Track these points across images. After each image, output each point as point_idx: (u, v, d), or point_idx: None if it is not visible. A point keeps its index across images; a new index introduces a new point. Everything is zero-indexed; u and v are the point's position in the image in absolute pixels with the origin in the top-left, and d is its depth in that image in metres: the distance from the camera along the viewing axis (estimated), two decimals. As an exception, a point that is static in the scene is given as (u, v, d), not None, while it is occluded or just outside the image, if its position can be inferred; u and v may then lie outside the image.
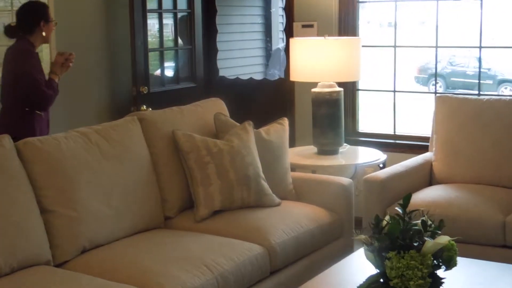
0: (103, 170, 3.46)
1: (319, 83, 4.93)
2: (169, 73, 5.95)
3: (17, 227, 3.02)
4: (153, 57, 5.77)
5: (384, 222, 2.77)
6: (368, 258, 2.78)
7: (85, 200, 3.32)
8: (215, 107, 4.33)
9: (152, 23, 5.88)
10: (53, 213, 3.23)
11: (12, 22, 4.62)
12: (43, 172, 3.25)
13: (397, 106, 5.60)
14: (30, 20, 4.45)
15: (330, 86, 4.90)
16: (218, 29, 6.74)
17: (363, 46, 5.05)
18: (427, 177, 4.65)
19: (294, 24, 5.66)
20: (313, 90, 4.94)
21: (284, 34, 7.53)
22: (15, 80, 4.38)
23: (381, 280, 2.70)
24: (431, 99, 5.03)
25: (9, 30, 4.55)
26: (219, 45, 6.76)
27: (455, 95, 4.82)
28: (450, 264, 2.71)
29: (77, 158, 3.37)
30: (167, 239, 3.49)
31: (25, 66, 4.37)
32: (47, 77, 4.52)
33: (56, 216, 3.23)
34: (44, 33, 4.47)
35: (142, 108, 5.41)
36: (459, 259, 2.75)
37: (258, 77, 8.27)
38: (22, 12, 4.50)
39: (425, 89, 13.31)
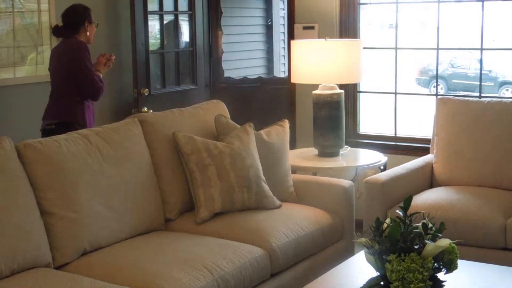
0: (104, 172, 3.46)
1: (320, 85, 4.92)
2: (170, 74, 5.94)
3: (18, 229, 3.01)
4: (154, 59, 5.77)
5: (385, 225, 2.77)
6: (368, 260, 2.78)
7: (86, 202, 3.32)
8: (216, 109, 4.33)
9: (153, 24, 5.88)
10: (54, 215, 3.23)
11: (59, 23, 4.93)
12: (43, 174, 3.25)
13: (398, 108, 5.59)
14: (76, 20, 4.82)
15: (331, 88, 4.90)
16: (223, 30, 6.74)
17: (364, 48, 5.04)
18: (428, 179, 4.65)
19: (295, 26, 5.66)
20: (314, 92, 4.94)
21: (285, 36, 7.53)
22: (70, 72, 4.72)
23: (382, 283, 2.70)
24: (432, 101, 5.03)
25: (57, 30, 4.91)
26: (224, 47, 6.76)
27: (456, 97, 4.81)
28: (450, 267, 2.71)
29: (77, 160, 3.36)
30: (168, 241, 3.48)
31: (81, 58, 4.72)
32: None
33: (57, 218, 3.23)
34: (88, 33, 4.83)
35: (143, 110, 5.41)
36: (460, 262, 2.75)
37: (260, 78, 8.26)
38: (68, 14, 4.85)
39: (426, 91, 13.31)
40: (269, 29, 9.57)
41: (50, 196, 3.24)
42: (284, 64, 9.30)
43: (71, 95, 4.76)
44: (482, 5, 5.21)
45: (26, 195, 3.14)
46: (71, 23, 4.82)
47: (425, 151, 4.95)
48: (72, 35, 4.81)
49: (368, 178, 4.34)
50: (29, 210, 3.12)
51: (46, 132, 4.61)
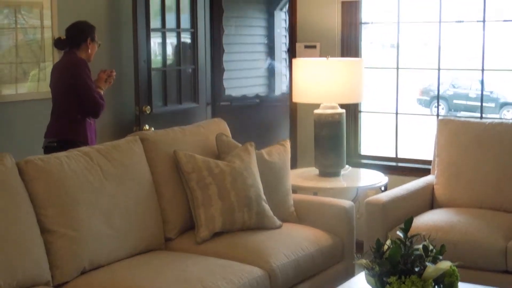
0: (105, 190, 3.46)
1: (321, 105, 4.93)
2: (171, 92, 5.95)
3: (17, 247, 3.01)
4: (156, 77, 5.78)
5: (386, 246, 2.77)
6: (369, 282, 2.77)
7: (86, 220, 3.31)
8: (217, 128, 4.33)
9: (156, 42, 5.89)
10: (54, 233, 3.22)
11: (61, 36, 4.94)
12: (44, 191, 3.24)
13: (399, 128, 5.59)
14: (79, 35, 4.82)
15: (333, 107, 4.90)
16: (225, 49, 6.76)
17: (365, 67, 5.06)
18: (428, 200, 4.64)
19: (297, 44, 5.67)
20: (316, 111, 4.94)
21: (287, 55, 7.55)
22: (70, 88, 4.71)
23: (382, 305, 2.69)
24: (433, 122, 5.03)
25: (59, 43, 4.93)
26: (226, 65, 6.78)
27: (457, 118, 4.82)
28: (451, 290, 2.70)
29: (78, 178, 3.36)
30: (168, 261, 3.47)
31: (81, 75, 4.71)
32: None
33: (57, 236, 3.22)
34: (89, 50, 4.83)
35: (144, 127, 5.42)
36: (461, 285, 2.75)
37: (261, 97, 8.27)
38: (73, 28, 4.85)
39: (427, 111, 13.32)
40: (270, 47, 9.59)
41: (51, 214, 3.23)
42: (286, 83, 9.31)
43: (72, 112, 4.75)
44: (484, 26, 5.23)
45: (27, 212, 3.14)
46: (74, 37, 4.83)
47: (426, 172, 4.94)
48: (73, 50, 4.81)
49: (369, 198, 4.34)
50: (29, 227, 3.12)
51: (48, 150, 4.59)
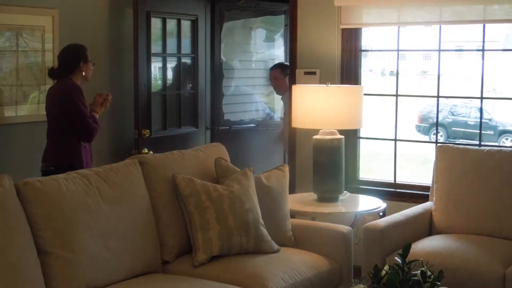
0: (102, 213, 3.45)
1: (320, 130, 4.94)
2: (171, 116, 5.97)
3: (14, 269, 2.99)
4: (155, 101, 5.80)
5: (383, 272, 2.76)
6: (366, 308, 2.76)
7: (83, 242, 3.31)
8: (216, 152, 4.34)
9: (156, 66, 5.92)
10: (51, 255, 3.21)
11: (54, 65, 4.97)
12: (42, 213, 3.24)
13: (398, 154, 5.60)
14: (71, 61, 4.84)
15: (332, 133, 4.91)
16: (224, 74, 6.79)
17: (365, 94, 5.07)
18: (427, 226, 4.64)
19: (297, 71, 5.69)
20: (315, 137, 4.95)
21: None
22: (63, 114, 4.74)
23: (379, 330, 2.68)
24: (432, 149, 5.04)
25: (53, 72, 4.91)
26: (225, 90, 6.80)
27: (456, 146, 4.83)
28: (449, 316, 2.69)
29: (76, 200, 3.36)
30: (164, 284, 3.46)
31: (73, 100, 4.72)
32: None
33: (54, 258, 3.21)
34: (84, 73, 4.84)
35: (143, 151, 5.43)
36: (458, 311, 2.73)
37: (260, 121, 8.28)
38: (63, 55, 4.87)
39: (426, 138, 13.35)
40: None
41: (48, 235, 3.23)
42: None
43: (67, 136, 4.77)
44: (483, 55, 5.25)
45: (24, 234, 3.13)
46: (66, 64, 4.84)
47: (425, 198, 4.94)
48: (67, 76, 4.82)
49: (367, 224, 4.33)
50: (26, 250, 3.11)
51: (46, 174, 4.59)
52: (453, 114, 13.30)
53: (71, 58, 4.84)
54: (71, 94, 4.74)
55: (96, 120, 4.89)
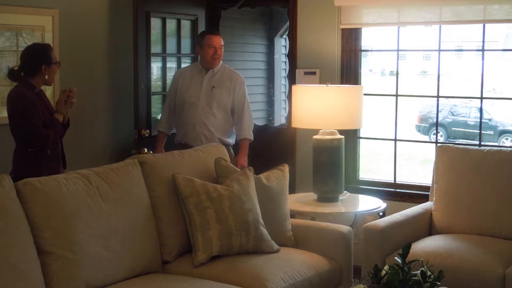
0: (102, 212, 3.45)
1: (320, 130, 4.94)
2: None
3: (14, 269, 2.99)
4: (155, 101, 5.79)
5: (383, 272, 2.76)
6: (366, 308, 2.76)
7: (83, 242, 3.30)
8: (216, 152, 4.34)
9: (156, 66, 5.92)
10: (51, 255, 3.21)
11: (15, 66, 4.68)
12: (42, 212, 3.24)
13: (398, 154, 5.60)
14: (32, 63, 4.48)
15: (332, 133, 4.91)
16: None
17: (365, 94, 5.07)
18: (427, 226, 4.64)
19: (297, 71, 5.69)
20: (315, 137, 4.96)
21: (287, 81, 7.57)
22: (13, 123, 4.47)
23: (379, 330, 2.68)
24: (432, 148, 5.04)
25: (12, 74, 4.58)
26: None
27: (456, 146, 4.83)
28: (449, 316, 2.70)
29: (76, 200, 3.36)
30: (164, 284, 3.45)
31: (18, 109, 4.41)
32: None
33: (54, 258, 3.21)
34: (46, 76, 4.50)
35: (143, 151, 5.42)
36: (458, 311, 2.74)
37: (261, 123, 8.29)
38: (25, 55, 4.53)
39: (426, 138, 13.36)
40: (270, 74, 9.65)
41: (48, 235, 3.22)
42: (285, 108, 9.35)
43: (21, 147, 4.49)
44: (483, 55, 5.26)
45: (24, 234, 3.13)
46: (27, 66, 4.49)
47: (425, 198, 4.95)
48: (26, 78, 4.48)
49: (367, 224, 4.34)
50: (26, 250, 3.10)
51: None
52: (453, 114, 13.31)
53: (34, 59, 4.47)
54: (14, 103, 4.42)
55: (55, 124, 4.49)
